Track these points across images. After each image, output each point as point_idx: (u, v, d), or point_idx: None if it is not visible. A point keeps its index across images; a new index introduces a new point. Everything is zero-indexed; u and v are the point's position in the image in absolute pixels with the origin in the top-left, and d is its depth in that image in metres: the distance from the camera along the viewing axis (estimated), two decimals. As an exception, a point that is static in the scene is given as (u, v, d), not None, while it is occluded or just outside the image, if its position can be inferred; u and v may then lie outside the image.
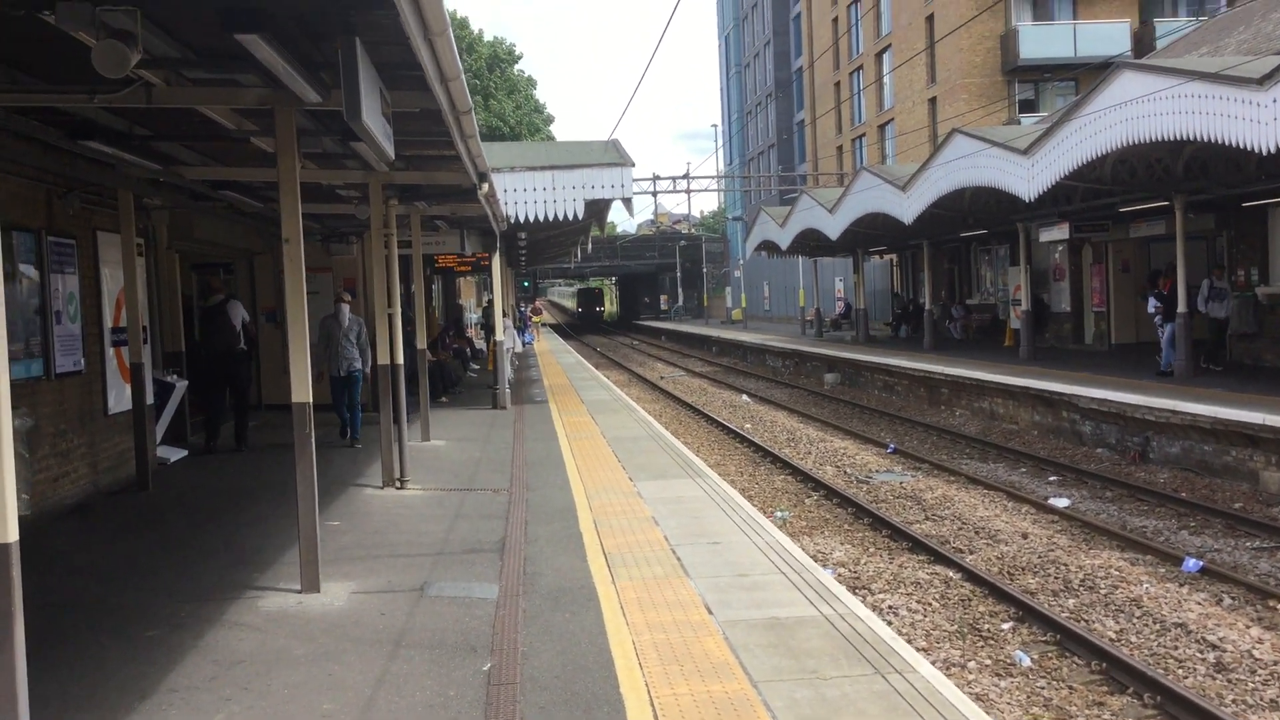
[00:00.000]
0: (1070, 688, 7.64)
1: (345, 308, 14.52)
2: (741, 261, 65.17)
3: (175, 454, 13.13)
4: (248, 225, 16.26)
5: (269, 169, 9.43)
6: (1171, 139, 15.94)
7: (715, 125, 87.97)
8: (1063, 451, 17.49)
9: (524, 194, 18.15)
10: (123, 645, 6.09)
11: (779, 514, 13.36)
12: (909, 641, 8.36)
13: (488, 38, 62.47)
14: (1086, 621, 9.02)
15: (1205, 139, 15.03)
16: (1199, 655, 8.12)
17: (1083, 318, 28.62)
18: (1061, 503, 13.61)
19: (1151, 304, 20.26)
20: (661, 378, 35.75)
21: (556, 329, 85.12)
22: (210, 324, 14.19)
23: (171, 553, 8.48)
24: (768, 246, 42.30)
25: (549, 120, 65.23)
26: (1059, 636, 8.57)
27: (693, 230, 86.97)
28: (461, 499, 10.77)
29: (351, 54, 5.43)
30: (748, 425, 22.34)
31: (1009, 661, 8.19)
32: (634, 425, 16.83)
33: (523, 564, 7.95)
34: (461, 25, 60.07)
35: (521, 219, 18.28)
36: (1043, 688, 7.64)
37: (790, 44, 75.83)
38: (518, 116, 59.44)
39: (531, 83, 64.48)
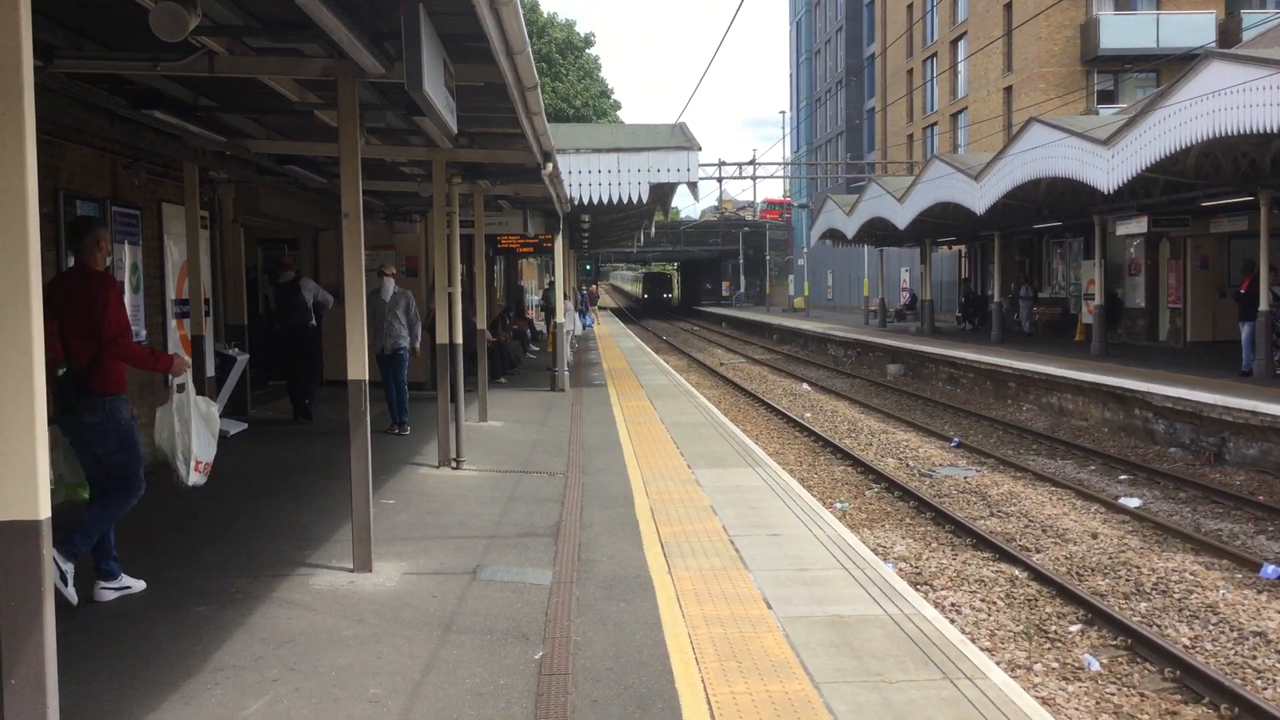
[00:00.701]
0: (1141, 694, 7.35)
1: (390, 281, 13.75)
2: (805, 249, 64.59)
3: (235, 426, 13.17)
4: (312, 201, 16.27)
5: (332, 144, 9.35)
6: (1262, 132, 15.36)
7: (783, 112, 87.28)
8: (1134, 450, 17.01)
9: (588, 176, 17.99)
10: (172, 620, 6.03)
11: (838, 505, 13.12)
12: (973, 641, 8.10)
13: (560, 19, 62.32)
14: (1159, 626, 8.69)
15: (1299, 132, 14.48)
16: (1279, 666, 7.77)
17: (1158, 314, 27.93)
18: (1133, 502, 13.20)
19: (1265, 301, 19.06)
20: (721, 364, 35.50)
21: (617, 313, 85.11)
22: (284, 301, 14.43)
23: (225, 526, 8.44)
24: (833, 235, 41.85)
25: (616, 105, 64.98)
26: (1130, 641, 8.26)
27: (756, 217, 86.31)
28: (517, 481, 10.65)
29: (415, 20, 5.27)
30: (808, 414, 22.04)
31: (1077, 665, 7.90)
32: (693, 411, 16.63)
33: (577, 550, 7.79)
34: (531, 9, 59.98)
35: (585, 201, 18.12)
36: (1112, 694, 7.35)
37: (862, 30, 74.92)
38: (584, 98, 59.26)
39: (597, 64, 64.23)
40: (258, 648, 5.59)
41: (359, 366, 6.94)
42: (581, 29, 62.97)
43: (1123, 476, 15.09)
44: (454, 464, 11.21)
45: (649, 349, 34.33)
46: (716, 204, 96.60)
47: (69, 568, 5.99)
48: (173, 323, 11.50)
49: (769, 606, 6.39)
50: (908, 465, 16.19)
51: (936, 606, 8.94)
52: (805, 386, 27.95)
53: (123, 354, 6.25)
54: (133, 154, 10.29)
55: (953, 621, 8.55)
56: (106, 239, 6.54)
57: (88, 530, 6.21)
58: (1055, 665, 7.91)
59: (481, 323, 15.09)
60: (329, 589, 6.66)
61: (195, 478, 6.88)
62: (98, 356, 6.11)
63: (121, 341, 6.19)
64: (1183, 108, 16.98)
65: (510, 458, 12.07)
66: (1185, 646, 8.18)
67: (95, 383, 6.14)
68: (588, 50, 62.64)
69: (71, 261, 6.63)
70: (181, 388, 6.75)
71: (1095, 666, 7.87)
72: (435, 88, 5.81)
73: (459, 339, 11.79)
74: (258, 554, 7.52)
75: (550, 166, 11.89)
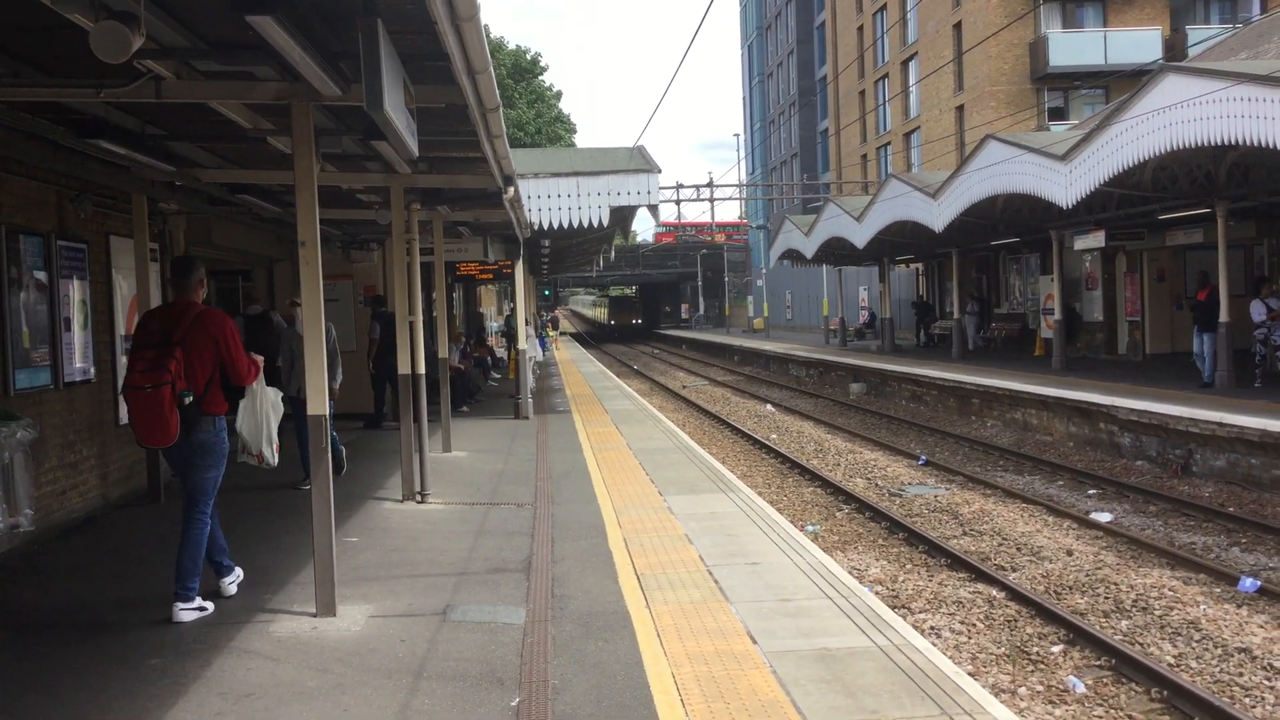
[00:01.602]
0: (1130, 716, 7.20)
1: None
2: (764, 270, 64.69)
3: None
4: (267, 231, 15.92)
5: (287, 171, 9.05)
6: (1219, 144, 15.43)
7: (737, 134, 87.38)
8: (1101, 464, 16.99)
9: (548, 201, 17.80)
10: (124, 674, 5.68)
11: (810, 528, 12.94)
12: (955, 665, 7.92)
13: (510, 46, 62.20)
14: (1142, 645, 8.58)
15: (1257, 144, 14.51)
16: (1266, 683, 7.66)
17: (1116, 327, 28.07)
18: (1104, 517, 13.14)
19: (1257, 312, 18.75)
20: (684, 387, 35.33)
21: (577, 338, 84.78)
22: (253, 334, 14.01)
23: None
24: (792, 255, 41.88)
25: (572, 129, 64.92)
26: (1114, 661, 8.14)
27: (720, 236, 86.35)
28: (485, 513, 10.36)
29: (373, 37, 5.02)
30: (773, 435, 21.89)
31: (1062, 688, 7.75)
32: (660, 436, 16.41)
33: (550, 585, 7.52)
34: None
35: (546, 226, 17.92)
36: (1100, 717, 7.21)
37: (814, 52, 75.45)
38: (538, 125, 59.12)
39: (558, 95, 64.16)
40: (216, 703, 5.27)
41: (319, 401, 6.66)
42: (531, 53, 62.52)
43: (1091, 491, 15.03)
44: (418, 497, 10.90)
45: (611, 373, 34.09)
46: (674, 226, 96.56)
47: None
48: (122, 359, 11.11)
49: (754, 641, 6.15)
50: (876, 485, 16.05)
51: (916, 630, 8.76)
52: (769, 408, 27.82)
53: (246, 381, 7.15)
54: (79, 185, 9.94)
55: (933, 645, 8.36)
56: (205, 275, 7.25)
57: (193, 565, 6.93)
58: (1040, 688, 7.75)
59: (443, 351, 14.79)
60: (291, 636, 6.34)
61: (276, 457, 7.69)
62: (209, 383, 6.85)
63: (251, 372, 7.13)
64: (1139, 122, 17.05)
65: (476, 489, 11.78)
66: (1170, 665, 8.07)
67: (209, 406, 6.88)
68: (540, 77, 62.56)
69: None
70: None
71: (1080, 688, 7.72)
72: (396, 108, 5.57)
73: (421, 369, 11.49)
74: (213, 599, 7.17)
75: (512, 191, 11.66)
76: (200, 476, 6.96)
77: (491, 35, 60.86)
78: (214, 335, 6.77)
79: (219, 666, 5.80)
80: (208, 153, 10.23)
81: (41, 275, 9.39)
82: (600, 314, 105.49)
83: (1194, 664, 8.13)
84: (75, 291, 10.07)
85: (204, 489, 6.99)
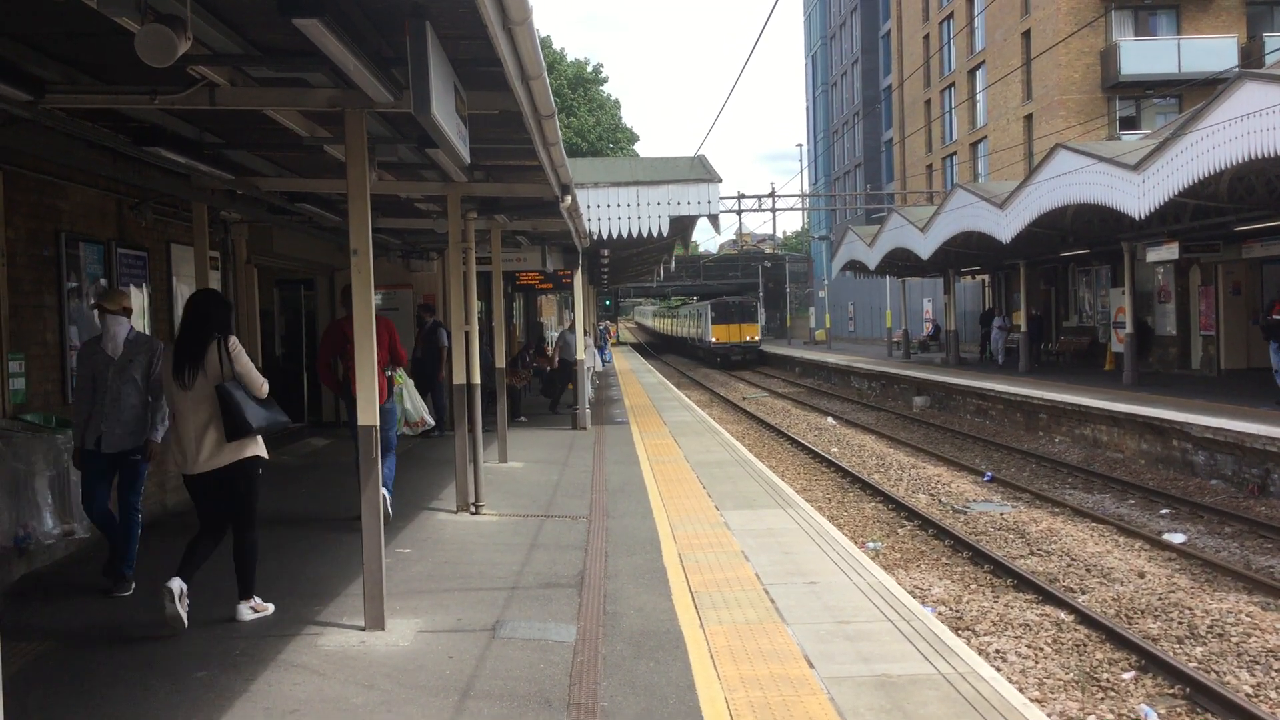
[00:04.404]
0: (1207, 751, 6.89)
1: (123, 323, 7.69)
2: (826, 281, 64.15)
3: (250, 472, 12.77)
4: (328, 240, 15.96)
5: (343, 180, 9.03)
6: (1301, 152, 14.93)
7: (800, 145, 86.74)
8: (1174, 483, 16.49)
9: (607, 210, 17.68)
10: (170, 687, 5.62)
11: (871, 544, 12.68)
12: (1021, 690, 7.64)
13: (570, 58, 62.36)
14: (1218, 673, 8.24)
15: (1339, 151, 14.02)
16: (1352, 718, 7.29)
17: (1190, 342, 27.35)
18: (1177, 538, 12.73)
19: None
20: (744, 398, 35.08)
21: (637, 348, 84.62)
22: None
23: (232, 581, 8.00)
24: (855, 266, 41.44)
25: (633, 139, 64.88)
26: (1188, 689, 7.84)
27: (776, 250, 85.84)
28: (539, 526, 10.23)
29: (421, 39, 4.91)
30: (834, 449, 21.59)
31: (1134, 717, 7.47)
32: (718, 448, 16.19)
33: (602, 601, 7.35)
34: (543, 44, 59.91)
35: (605, 236, 17.80)
36: (1177, 750, 6.89)
37: (879, 61, 74.84)
38: (598, 133, 59.15)
39: (617, 105, 64.18)
40: (260, 719, 5.17)
41: (370, 412, 6.57)
42: (592, 64, 62.66)
43: (1164, 510, 14.59)
44: (473, 509, 10.81)
45: (670, 384, 33.93)
46: (735, 238, 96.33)
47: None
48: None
49: (810, 665, 5.93)
50: (940, 501, 15.72)
51: (980, 653, 8.48)
52: (830, 420, 27.50)
53: (404, 362, 10.46)
54: (139, 194, 9.99)
55: (999, 670, 8.09)
56: None
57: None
58: (1111, 717, 7.47)
59: (500, 361, 14.69)
60: (338, 650, 6.24)
61: (431, 418, 10.96)
62: (384, 368, 9.64)
63: (404, 358, 10.46)
64: (1215, 130, 16.55)
65: (531, 501, 11.66)
66: (1248, 695, 7.75)
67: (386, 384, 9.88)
68: (600, 86, 62.65)
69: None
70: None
71: (1154, 718, 7.41)
72: (445, 113, 5.45)
73: (476, 379, 11.40)
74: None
75: (569, 199, 11.53)
76: (387, 434, 9.71)
77: (552, 47, 61.06)
78: (389, 331, 9.91)
79: (265, 680, 5.71)
80: (266, 161, 10.23)
81: (102, 282, 9.43)
82: (679, 327, 75.00)
83: (1273, 694, 7.82)
84: (135, 299, 10.09)
85: (390, 440, 9.99)
